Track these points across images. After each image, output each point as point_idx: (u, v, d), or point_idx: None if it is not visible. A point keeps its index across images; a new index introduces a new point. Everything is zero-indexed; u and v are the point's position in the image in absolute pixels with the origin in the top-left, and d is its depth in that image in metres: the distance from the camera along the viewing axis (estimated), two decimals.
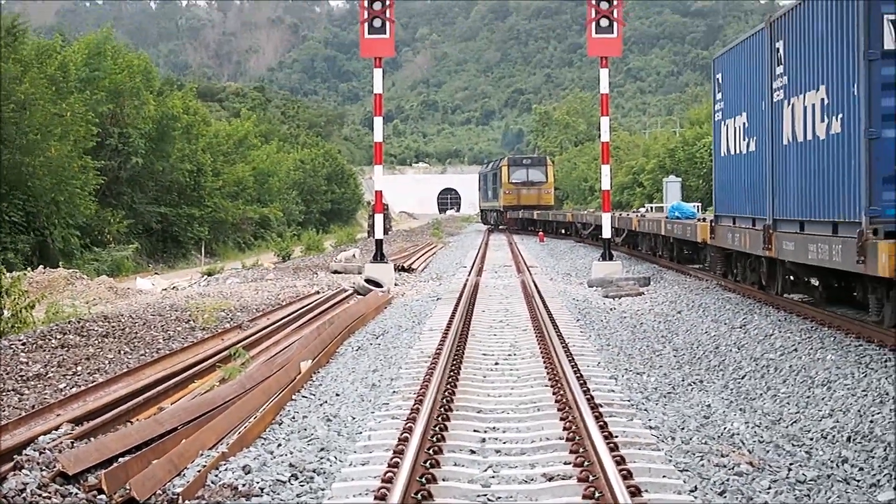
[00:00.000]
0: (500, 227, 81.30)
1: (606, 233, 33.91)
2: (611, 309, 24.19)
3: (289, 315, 22.94)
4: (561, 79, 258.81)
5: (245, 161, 74.20)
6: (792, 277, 22.19)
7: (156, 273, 45.30)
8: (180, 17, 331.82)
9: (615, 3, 31.83)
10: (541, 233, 64.63)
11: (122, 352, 18.69)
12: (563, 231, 64.24)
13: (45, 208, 42.11)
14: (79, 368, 16.86)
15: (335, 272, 36.55)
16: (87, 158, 45.77)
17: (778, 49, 21.22)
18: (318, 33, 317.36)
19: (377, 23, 31.78)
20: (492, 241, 62.44)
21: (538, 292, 25.97)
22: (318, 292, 28.65)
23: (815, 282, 21.73)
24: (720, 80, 27.21)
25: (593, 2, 31.89)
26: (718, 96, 27.47)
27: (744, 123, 24.54)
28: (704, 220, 30.09)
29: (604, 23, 31.78)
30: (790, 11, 20.56)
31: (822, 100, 18.48)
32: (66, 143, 43.56)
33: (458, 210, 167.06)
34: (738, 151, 25.21)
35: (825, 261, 17.76)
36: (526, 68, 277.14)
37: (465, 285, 28.72)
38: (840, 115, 17.59)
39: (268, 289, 30.39)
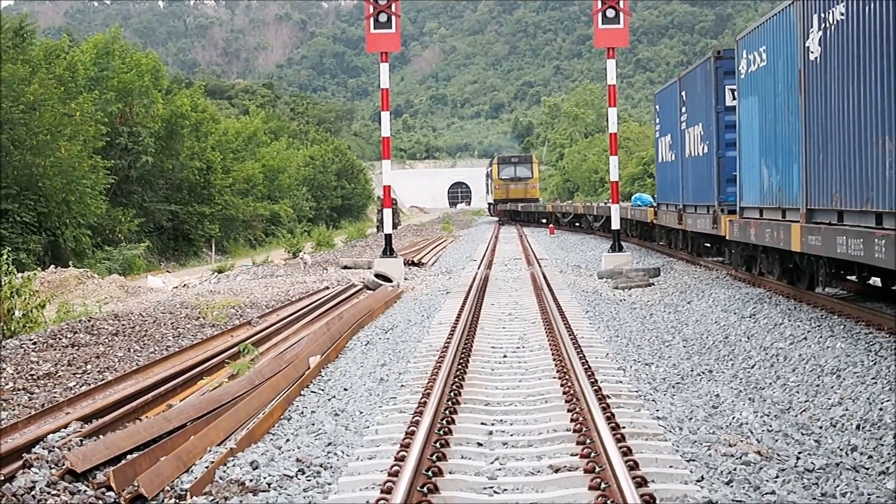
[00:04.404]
0: (503, 220, 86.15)
1: (616, 224, 33.77)
2: (620, 300, 24.16)
3: (298, 311, 22.94)
4: (570, 70, 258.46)
5: (255, 158, 74.32)
6: (699, 243, 33.12)
7: (167, 271, 45.40)
8: (188, 15, 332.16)
9: None
10: (551, 226, 64.67)
11: (131, 350, 18.73)
12: (543, 220, 73.42)
13: (56, 208, 42.20)
14: (88, 367, 16.90)
15: (345, 267, 36.59)
16: (97, 158, 45.89)
17: (683, 95, 32.51)
18: (326, 29, 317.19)
19: (383, 17, 31.72)
20: (502, 234, 62.42)
21: (547, 285, 25.94)
22: (327, 288, 28.65)
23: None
24: (658, 109, 38.62)
25: None
26: (657, 120, 39.02)
27: (669, 141, 35.59)
28: (651, 205, 40.68)
29: (610, 13, 31.66)
30: (687, 74, 32.26)
31: (700, 133, 29.76)
32: (75, 143, 43.67)
33: (468, 203, 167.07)
34: (667, 160, 36.29)
35: (703, 228, 28.97)
36: (535, 61, 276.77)
37: (474, 279, 28.70)
38: (707, 142, 28.76)
39: (277, 285, 30.41)
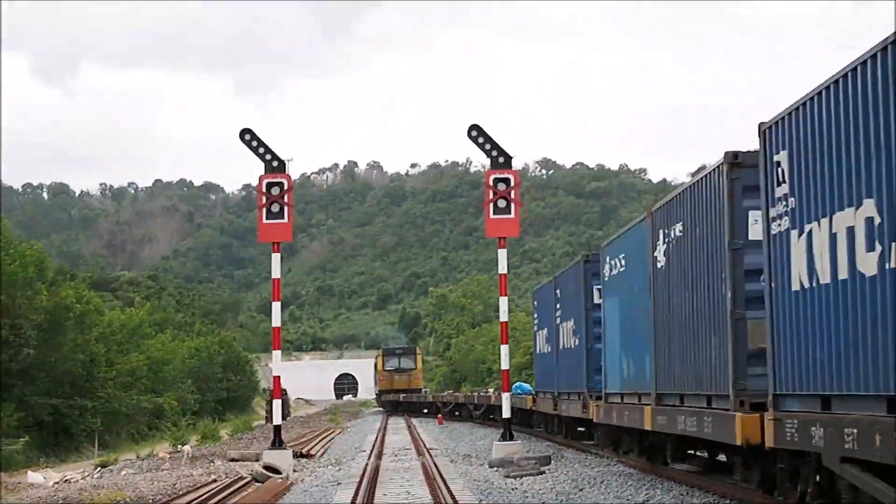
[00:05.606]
0: (390, 410, 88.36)
1: (506, 412, 33.35)
2: (512, 489, 23.96)
3: None
4: (457, 261, 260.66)
5: (139, 350, 73.32)
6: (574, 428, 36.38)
7: (47, 466, 44.15)
8: (73, 207, 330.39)
9: (512, 184, 32.12)
10: (440, 416, 64.61)
11: None
12: (425, 411, 76.82)
13: None
14: None
15: (232, 460, 35.98)
16: None
17: (557, 293, 36.41)
18: (213, 221, 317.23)
19: (275, 208, 31.76)
20: (390, 424, 62.12)
21: (440, 475, 25.77)
22: (215, 481, 28.15)
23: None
24: (536, 305, 43.25)
25: (491, 183, 32.14)
26: (535, 315, 43.30)
27: (546, 334, 39.30)
28: (531, 393, 44.43)
29: (501, 204, 31.92)
30: (561, 274, 36.64)
31: (572, 327, 33.30)
32: None
33: (355, 395, 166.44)
34: (544, 351, 39.96)
35: (575, 413, 32.84)
36: (422, 252, 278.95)
37: (365, 469, 28.43)
38: (578, 336, 32.42)
39: (163, 479, 29.82)
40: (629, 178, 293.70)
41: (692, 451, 22.68)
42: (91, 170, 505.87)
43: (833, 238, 12.90)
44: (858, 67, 12.19)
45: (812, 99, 13.59)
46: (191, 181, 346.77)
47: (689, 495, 19.82)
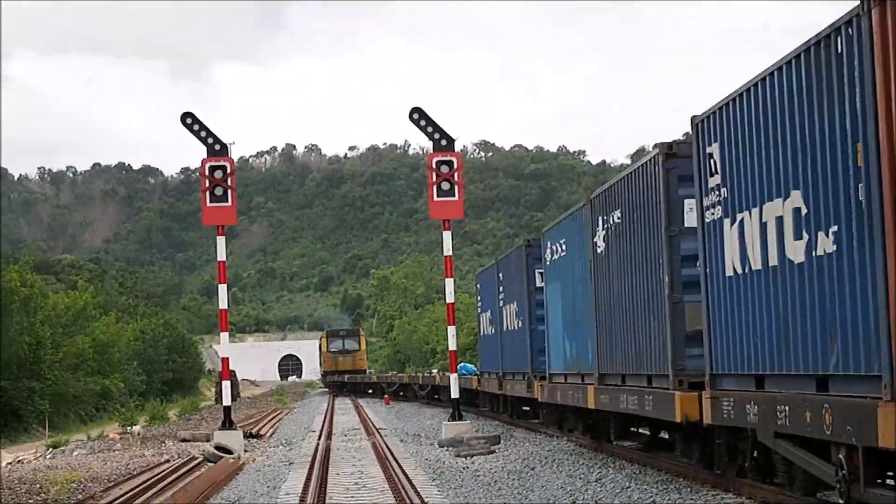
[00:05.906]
0: (335, 391, 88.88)
1: (455, 392, 33.85)
2: (464, 468, 24.33)
3: (141, 484, 22.88)
4: (398, 243, 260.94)
5: (85, 333, 73.38)
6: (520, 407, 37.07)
7: None
8: (12, 191, 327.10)
9: (456, 167, 32.46)
10: (386, 396, 65.20)
11: None
12: (370, 391, 78.55)
13: None
14: None
15: (183, 440, 36.46)
16: None
17: (500, 276, 37.03)
18: (152, 205, 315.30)
19: (219, 191, 32.04)
20: (337, 405, 62.58)
21: (391, 454, 26.32)
22: (167, 461, 28.60)
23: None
24: (479, 287, 44.18)
25: (434, 166, 32.51)
26: (479, 298, 44.18)
27: (489, 317, 40.09)
28: (475, 374, 45.37)
29: (445, 186, 32.26)
30: (503, 258, 37.55)
31: (515, 309, 33.87)
32: None
33: (299, 376, 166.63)
34: (488, 333, 40.71)
35: (520, 393, 33.31)
36: (363, 234, 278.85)
37: (316, 449, 28.94)
38: (521, 318, 32.85)
39: (116, 459, 30.23)
40: (568, 160, 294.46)
41: (635, 429, 23.38)
42: (29, 154, 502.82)
43: (763, 227, 13.62)
44: (784, 66, 12.86)
45: (742, 94, 14.26)
46: (129, 165, 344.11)
47: (642, 474, 20.20)
